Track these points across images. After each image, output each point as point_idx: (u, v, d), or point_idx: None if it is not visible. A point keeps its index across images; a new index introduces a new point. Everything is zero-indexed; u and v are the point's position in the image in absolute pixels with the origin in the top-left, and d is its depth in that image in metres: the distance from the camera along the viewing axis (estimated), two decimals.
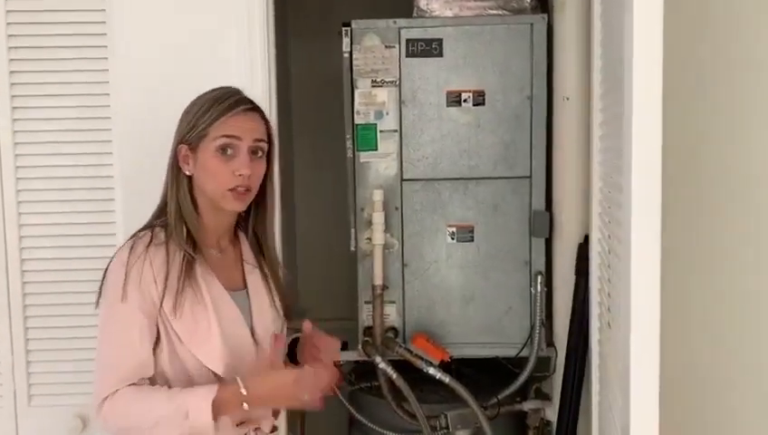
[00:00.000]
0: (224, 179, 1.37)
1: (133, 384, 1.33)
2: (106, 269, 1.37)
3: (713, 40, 1.32)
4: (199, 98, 1.42)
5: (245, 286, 1.49)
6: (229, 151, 1.36)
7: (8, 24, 1.79)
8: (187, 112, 1.42)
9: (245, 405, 1.32)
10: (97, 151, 1.84)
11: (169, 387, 1.36)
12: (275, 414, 1.56)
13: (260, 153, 1.42)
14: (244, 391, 1.31)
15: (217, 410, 1.30)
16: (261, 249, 1.52)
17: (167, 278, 1.34)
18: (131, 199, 1.79)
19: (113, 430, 1.37)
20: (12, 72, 1.80)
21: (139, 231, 1.41)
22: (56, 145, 1.83)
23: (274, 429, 1.56)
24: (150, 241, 1.36)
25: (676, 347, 1.31)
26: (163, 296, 1.34)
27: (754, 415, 1.18)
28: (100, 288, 1.37)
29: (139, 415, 1.32)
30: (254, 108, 1.43)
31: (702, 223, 1.36)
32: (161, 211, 1.42)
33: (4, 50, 1.79)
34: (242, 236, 1.53)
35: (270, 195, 1.51)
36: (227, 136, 1.36)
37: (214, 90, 1.43)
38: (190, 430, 1.30)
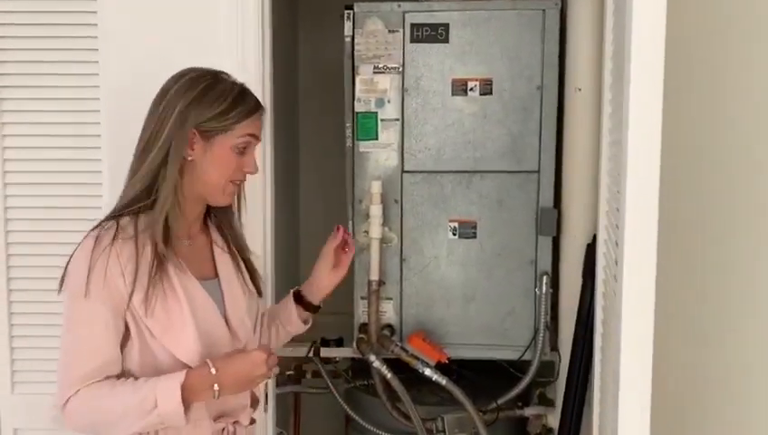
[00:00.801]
0: (232, 173, 1.37)
1: (97, 381, 1.27)
2: (70, 257, 1.31)
3: (715, 34, 1.23)
4: (212, 87, 1.33)
5: (217, 275, 1.43)
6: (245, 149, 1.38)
7: None
8: (198, 101, 1.31)
9: (216, 386, 1.27)
10: (85, 133, 1.79)
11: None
12: (254, 405, 1.51)
13: None
14: (213, 370, 1.27)
15: (188, 395, 1.25)
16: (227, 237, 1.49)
17: (136, 271, 1.27)
18: (118, 186, 1.73)
19: (79, 429, 1.31)
20: None
21: (105, 220, 1.33)
22: (43, 126, 1.79)
23: (253, 421, 1.50)
24: (117, 232, 1.28)
25: (669, 354, 1.22)
26: (132, 290, 1.27)
27: (748, 421, 1.10)
28: (63, 276, 1.31)
29: (105, 410, 1.26)
30: None
31: (699, 226, 1.27)
32: (137, 197, 1.33)
33: None
34: (210, 223, 1.48)
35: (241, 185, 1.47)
36: (252, 136, 1.38)
37: (219, 78, 1.36)
38: (158, 419, 1.25)
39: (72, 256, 1.31)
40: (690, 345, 1.35)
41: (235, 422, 1.43)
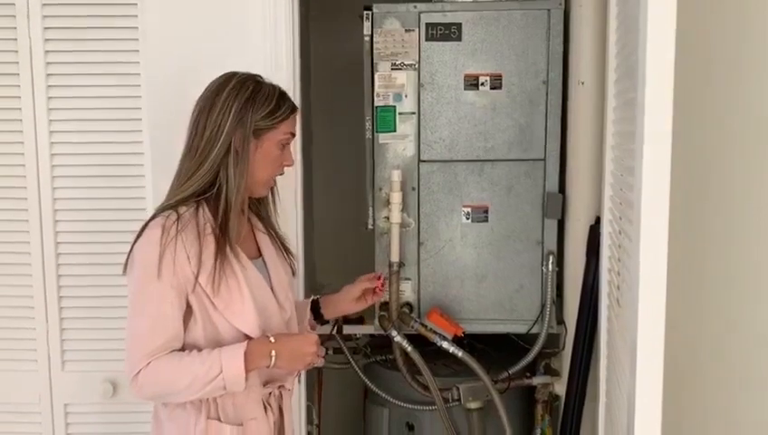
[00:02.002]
0: (275, 168, 1.54)
1: (165, 354, 1.41)
2: (134, 242, 1.44)
3: (728, 29, 1.35)
4: (258, 89, 1.48)
5: (260, 255, 1.59)
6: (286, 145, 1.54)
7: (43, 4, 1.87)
8: (251, 101, 1.45)
9: (273, 352, 1.43)
10: (128, 129, 1.92)
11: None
12: (298, 373, 1.66)
13: None
14: (272, 339, 1.44)
15: (248, 361, 1.40)
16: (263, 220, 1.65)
17: (200, 255, 1.41)
18: (160, 172, 1.86)
19: (148, 398, 1.45)
20: (47, 49, 1.88)
21: (164, 209, 1.45)
22: (88, 123, 1.92)
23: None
24: (178, 220, 1.41)
25: (682, 325, 1.36)
26: (198, 272, 1.41)
27: (760, 395, 1.22)
28: (127, 260, 1.44)
29: (173, 379, 1.40)
30: None
31: (712, 206, 1.41)
32: (199, 192, 1.45)
33: (39, 27, 1.87)
34: (248, 211, 1.62)
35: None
36: (292, 133, 1.54)
37: (259, 81, 1.50)
38: (221, 383, 1.40)
39: (136, 242, 1.44)
40: (701, 319, 1.46)
41: (280, 387, 1.59)
